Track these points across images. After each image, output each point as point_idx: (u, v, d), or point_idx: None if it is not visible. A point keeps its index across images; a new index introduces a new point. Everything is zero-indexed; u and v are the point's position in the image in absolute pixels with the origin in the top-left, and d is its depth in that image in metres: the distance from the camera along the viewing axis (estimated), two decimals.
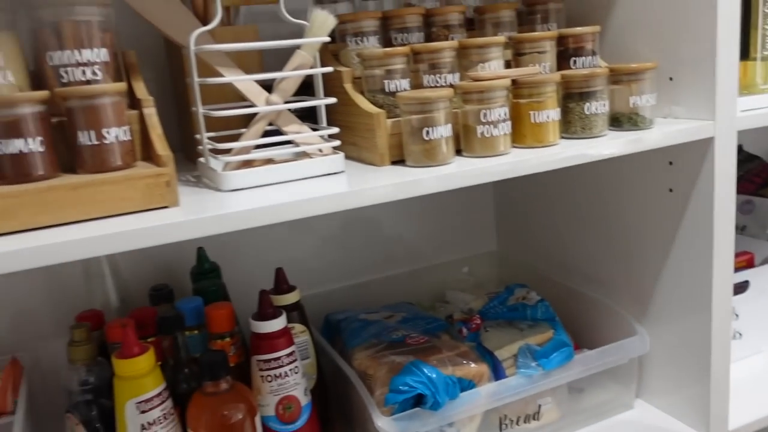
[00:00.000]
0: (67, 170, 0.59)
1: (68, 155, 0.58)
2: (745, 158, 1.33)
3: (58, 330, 0.91)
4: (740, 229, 1.20)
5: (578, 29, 0.81)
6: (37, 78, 0.61)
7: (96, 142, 0.57)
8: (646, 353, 0.92)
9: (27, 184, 0.55)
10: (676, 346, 0.89)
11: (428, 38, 0.85)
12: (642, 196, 0.89)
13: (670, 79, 0.82)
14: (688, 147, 0.79)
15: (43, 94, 0.56)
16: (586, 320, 0.99)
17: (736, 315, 1.02)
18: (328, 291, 1.09)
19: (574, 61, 0.82)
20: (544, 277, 1.07)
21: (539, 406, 0.87)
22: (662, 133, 0.76)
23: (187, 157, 0.85)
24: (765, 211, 1.17)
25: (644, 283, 0.92)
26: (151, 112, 0.62)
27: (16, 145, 0.54)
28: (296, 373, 0.80)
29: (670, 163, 0.84)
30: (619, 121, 0.78)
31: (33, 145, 0.55)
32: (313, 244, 1.09)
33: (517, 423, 0.86)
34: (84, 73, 0.60)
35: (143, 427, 0.72)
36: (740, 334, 1.04)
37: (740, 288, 1.02)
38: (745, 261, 1.05)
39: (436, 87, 0.74)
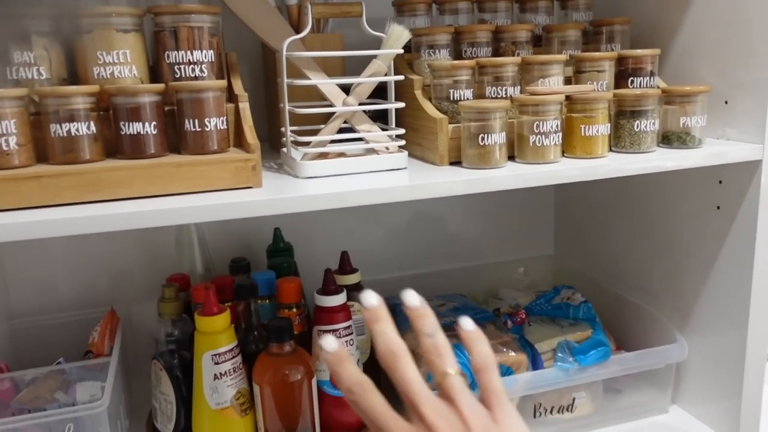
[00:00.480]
0: (173, 151, 0.70)
1: (175, 138, 0.70)
2: None
3: (149, 289, 1.04)
4: None
5: (638, 51, 0.87)
6: (155, 72, 0.73)
7: (198, 129, 0.68)
8: (684, 361, 0.96)
9: (141, 159, 0.66)
10: (713, 358, 0.93)
11: (496, 52, 0.92)
12: (691, 212, 0.93)
13: (726, 102, 0.86)
14: (737, 168, 0.84)
15: (160, 86, 0.67)
16: (630, 325, 1.04)
17: None
18: (388, 278, 1.17)
19: (632, 81, 0.87)
20: (593, 282, 1.13)
21: (573, 399, 0.93)
22: (707, 153, 0.80)
23: (272, 147, 0.96)
24: None
25: (687, 294, 0.96)
26: (245, 106, 0.73)
27: (135, 128, 0.66)
28: (351, 345, 0.89)
29: (720, 182, 0.88)
30: (669, 139, 0.83)
31: (148, 128, 0.66)
32: (379, 235, 1.18)
33: (551, 412, 0.92)
34: (193, 70, 0.71)
35: (216, 377, 0.83)
36: None
37: None
38: None
39: (495, 98, 0.82)
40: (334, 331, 0.88)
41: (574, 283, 1.10)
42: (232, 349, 0.84)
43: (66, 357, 0.93)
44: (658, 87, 0.85)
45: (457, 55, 0.90)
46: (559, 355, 0.91)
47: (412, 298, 0.52)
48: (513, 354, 0.89)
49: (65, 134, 0.63)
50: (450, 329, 0.94)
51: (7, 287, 1.01)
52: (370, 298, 0.51)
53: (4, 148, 0.62)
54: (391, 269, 1.19)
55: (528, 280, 1.27)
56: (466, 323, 0.54)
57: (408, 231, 1.20)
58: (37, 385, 0.88)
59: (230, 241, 1.09)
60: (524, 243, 1.29)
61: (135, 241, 1.06)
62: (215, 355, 0.83)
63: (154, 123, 0.66)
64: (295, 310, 0.93)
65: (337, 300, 0.89)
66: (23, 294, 1.02)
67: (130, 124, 0.65)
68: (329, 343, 0.51)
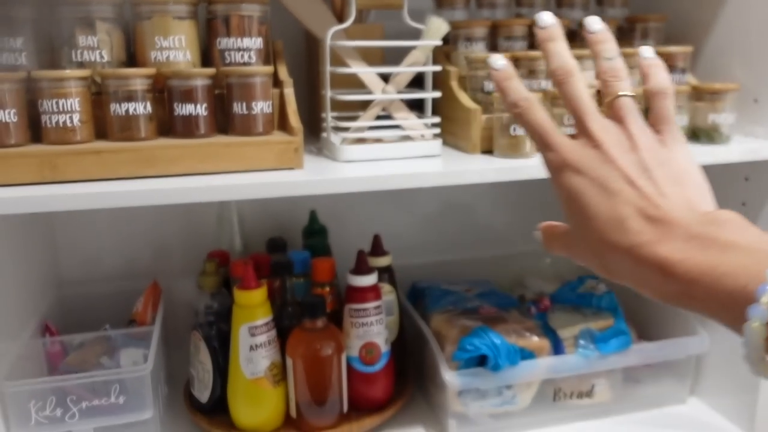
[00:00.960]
0: (221, 132, 0.74)
1: (223, 120, 0.74)
2: None
3: (190, 263, 1.09)
4: None
5: (669, 48, 0.89)
6: (206, 57, 0.77)
7: (246, 112, 0.72)
8: (705, 354, 0.98)
9: (192, 139, 0.71)
10: (732, 352, 0.95)
11: (532, 46, 0.94)
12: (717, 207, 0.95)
13: (755, 101, 0.88)
14: (764, 165, 0.86)
15: (211, 71, 0.71)
16: (653, 317, 1.06)
17: None
18: (418, 264, 1.21)
19: None
20: None
21: (593, 385, 0.96)
22: (734, 150, 0.82)
23: (311, 132, 1.00)
24: None
25: None
26: (289, 92, 0.77)
27: (188, 109, 0.70)
28: (380, 324, 0.94)
29: (746, 179, 0.90)
30: (697, 134, 0.85)
31: (200, 109, 0.71)
32: (411, 221, 1.22)
33: (570, 397, 0.95)
34: (242, 56, 0.76)
35: (251, 348, 0.88)
36: None
37: None
38: None
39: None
40: (364, 309, 0.92)
41: (600, 279, 1.13)
42: (267, 323, 0.89)
43: (111, 325, 0.98)
44: (689, 83, 0.87)
45: (493, 48, 0.93)
46: (581, 342, 0.94)
47: (594, 23, 0.51)
48: (536, 339, 0.92)
49: (124, 113, 0.68)
50: (474, 312, 0.98)
51: (58, 256, 1.08)
52: (547, 18, 0.50)
53: (68, 124, 0.67)
54: (421, 255, 1.22)
55: (554, 270, 1.29)
56: (646, 50, 0.51)
57: (438, 219, 1.24)
58: (84, 350, 0.94)
59: (268, 222, 1.14)
60: None
61: (178, 218, 1.11)
62: (252, 327, 0.87)
63: (205, 105, 0.71)
64: (328, 288, 0.97)
65: (369, 280, 0.93)
66: (72, 263, 1.08)
67: (183, 105, 0.70)
68: (497, 60, 0.51)
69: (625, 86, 0.47)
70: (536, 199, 1.28)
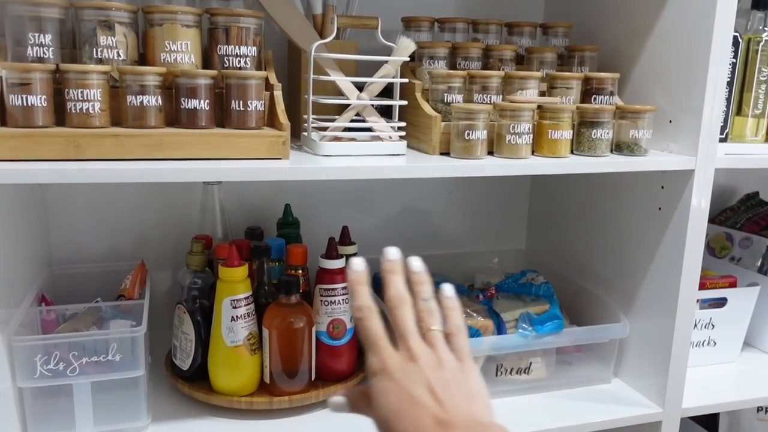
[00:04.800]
0: (219, 125, 0.86)
1: (221, 115, 0.86)
2: (757, 203, 1.52)
3: (175, 247, 1.20)
4: (736, 261, 1.39)
5: (600, 74, 1.05)
6: (208, 61, 0.90)
7: (242, 109, 0.84)
8: (626, 341, 1.14)
9: (194, 129, 0.83)
10: (649, 338, 1.10)
11: (485, 66, 1.09)
12: (637, 212, 1.11)
13: (670, 121, 1.04)
14: (675, 175, 1.01)
15: (214, 72, 0.84)
16: (585, 309, 1.21)
17: (713, 325, 1.23)
18: (379, 258, 1.34)
19: (595, 98, 1.05)
20: (557, 273, 1.30)
21: (530, 363, 1.10)
22: (650, 160, 0.98)
23: (291, 133, 1.12)
24: (759, 248, 1.36)
25: (632, 283, 1.13)
26: (278, 94, 0.89)
27: (192, 103, 0.82)
28: (346, 303, 1.06)
29: (662, 187, 1.06)
30: (620, 147, 1.01)
31: (203, 104, 0.83)
32: (372, 222, 1.35)
33: (510, 373, 1.09)
34: (239, 62, 0.88)
35: (232, 319, 0.99)
36: (714, 343, 1.24)
37: (719, 303, 1.23)
38: (728, 282, 1.25)
39: (481, 104, 0.99)
40: (332, 289, 1.05)
41: (540, 273, 1.28)
42: (247, 297, 1.00)
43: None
44: (615, 104, 1.03)
45: (452, 66, 1.07)
46: (521, 324, 1.08)
47: (417, 265, 0.63)
48: (481, 319, 1.06)
49: (138, 104, 0.80)
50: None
51: (50, 237, 1.17)
52: (393, 253, 0.63)
53: (90, 111, 0.78)
54: (381, 251, 1.35)
55: (501, 270, 1.44)
56: (447, 290, 0.64)
57: (399, 219, 1.38)
58: (77, 320, 1.03)
59: (246, 212, 1.26)
60: (500, 237, 1.47)
61: (163, 204, 1.22)
62: (234, 300, 0.99)
63: (207, 101, 0.83)
64: (301, 271, 1.10)
65: (337, 264, 1.05)
66: (63, 245, 1.18)
67: (189, 100, 0.82)
68: (356, 263, 0.62)
69: (436, 322, 0.60)
70: (486, 206, 1.44)
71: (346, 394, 0.65)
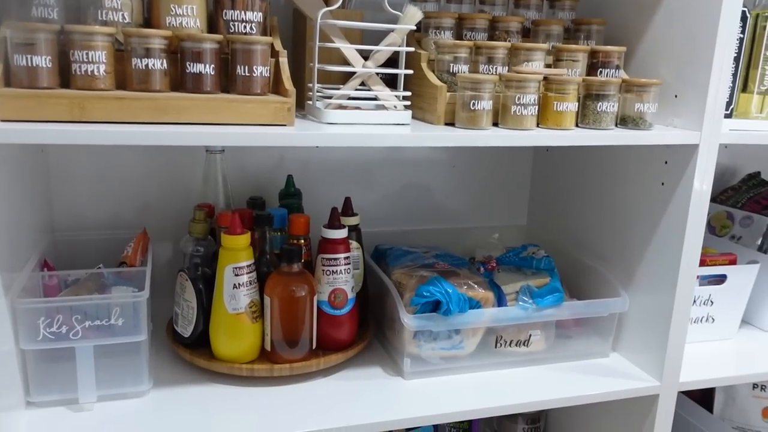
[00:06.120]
0: (224, 90, 0.86)
1: (227, 81, 0.86)
2: (758, 183, 1.52)
3: (176, 216, 1.20)
4: (737, 239, 1.40)
5: (606, 47, 1.04)
6: (213, 26, 0.89)
7: (247, 74, 0.84)
8: (624, 315, 1.14)
9: (200, 94, 0.82)
10: (648, 313, 1.11)
11: (491, 38, 1.09)
12: (640, 187, 1.11)
13: (675, 96, 1.04)
14: (679, 149, 1.01)
15: (219, 36, 0.83)
16: (586, 283, 1.22)
17: (712, 302, 1.23)
18: (381, 231, 1.34)
19: (600, 71, 1.04)
20: (558, 248, 1.30)
21: (530, 335, 1.10)
22: (654, 134, 0.98)
23: (297, 104, 1.12)
24: (760, 227, 1.36)
25: (632, 258, 1.14)
26: (284, 61, 0.89)
27: (198, 68, 0.82)
28: (348, 273, 1.06)
29: (666, 162, 1.06)
30: (625, 121, 1.01)
31: (208, 69, 0.82)
32: (375, 196, 1.35)
33: (510, 345, 1.10)
34: (245, 27, 0.87)
35: (234, 286, 0.99)
36: (713, 319, 1.25)
37: (719, 280, 1.23)
38: (728, 260, 1.26)
39: (486, 74, 0.99)
40: (334, 259, 1.05)
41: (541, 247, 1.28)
42: (249, 265, 1.00)
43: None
44: (621, 78, 1.03)
45: (458, 37, 1.07)
46: (521, 296, 1.08)
47: None
48: (483, 291, 1.06)
49: (143, 67, 0.79)
50: (431, 267, 1.12)
51: (52, 204, 1.17)
52: None
53: (95, 73, 0.78)
54: (385, 224, 1.36)
55: (501, 245, 1.44)
56: None
57: (401, 193, 1.38)
58: (79, 286, 1.04)
59: (248, 182, 1.26)
60: (501, 213, 1.47)
61: (166, 173, 1.22)
62: (236, 267, 0.99)
63: (212, 65, 0.82)
64: (303, 241, 1.10)
65: (340, 234, 1.05)
66: (65, 211, 1.18)
67: (194, 64, 0.81)
68: None
69: None
70: (488, 181, 1.44)
71: None
